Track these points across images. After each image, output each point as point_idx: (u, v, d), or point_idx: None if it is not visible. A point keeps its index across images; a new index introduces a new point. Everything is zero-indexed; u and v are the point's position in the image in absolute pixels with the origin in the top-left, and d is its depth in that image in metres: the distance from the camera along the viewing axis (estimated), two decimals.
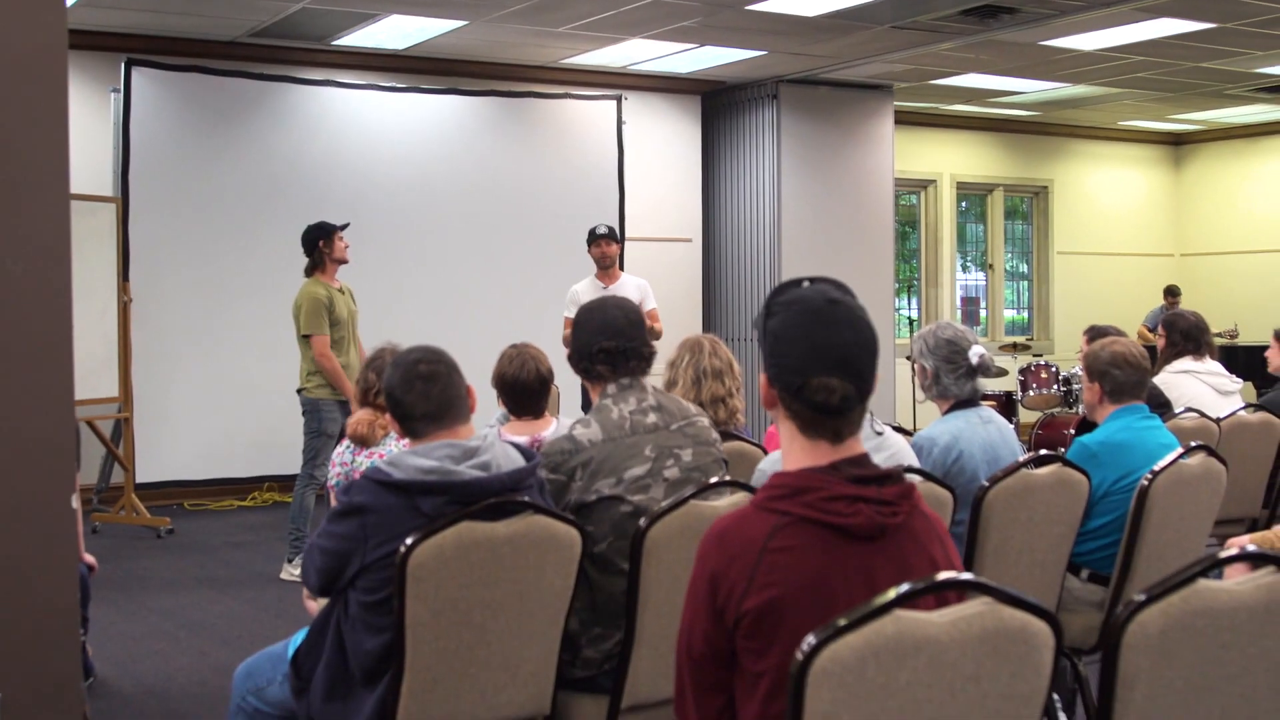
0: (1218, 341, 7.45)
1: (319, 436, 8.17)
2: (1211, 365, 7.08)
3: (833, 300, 2.44)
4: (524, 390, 4.88)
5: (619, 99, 12.71)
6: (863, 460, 2.43)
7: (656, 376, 5.13)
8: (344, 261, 8.39)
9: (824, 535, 2.33)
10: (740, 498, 3.62)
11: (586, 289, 9.22)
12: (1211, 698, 2.33)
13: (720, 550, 2.37)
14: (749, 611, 2.30)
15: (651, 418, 3.87)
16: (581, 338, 3.96)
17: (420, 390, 3.44)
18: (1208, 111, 16.06)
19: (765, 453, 4.59)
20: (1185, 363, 7.05)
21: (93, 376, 9.47)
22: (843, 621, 2.02)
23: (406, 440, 3.56)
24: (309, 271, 8.35)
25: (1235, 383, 7.07)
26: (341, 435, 8.10)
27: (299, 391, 8.29)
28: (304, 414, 8.28)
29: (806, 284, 2.49)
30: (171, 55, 10.86)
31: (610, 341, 3.88)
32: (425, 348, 3.57)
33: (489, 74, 12.35)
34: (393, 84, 11.86)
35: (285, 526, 8.50)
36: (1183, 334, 7.14)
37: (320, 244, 8.31)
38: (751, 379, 12.39)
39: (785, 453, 2.49)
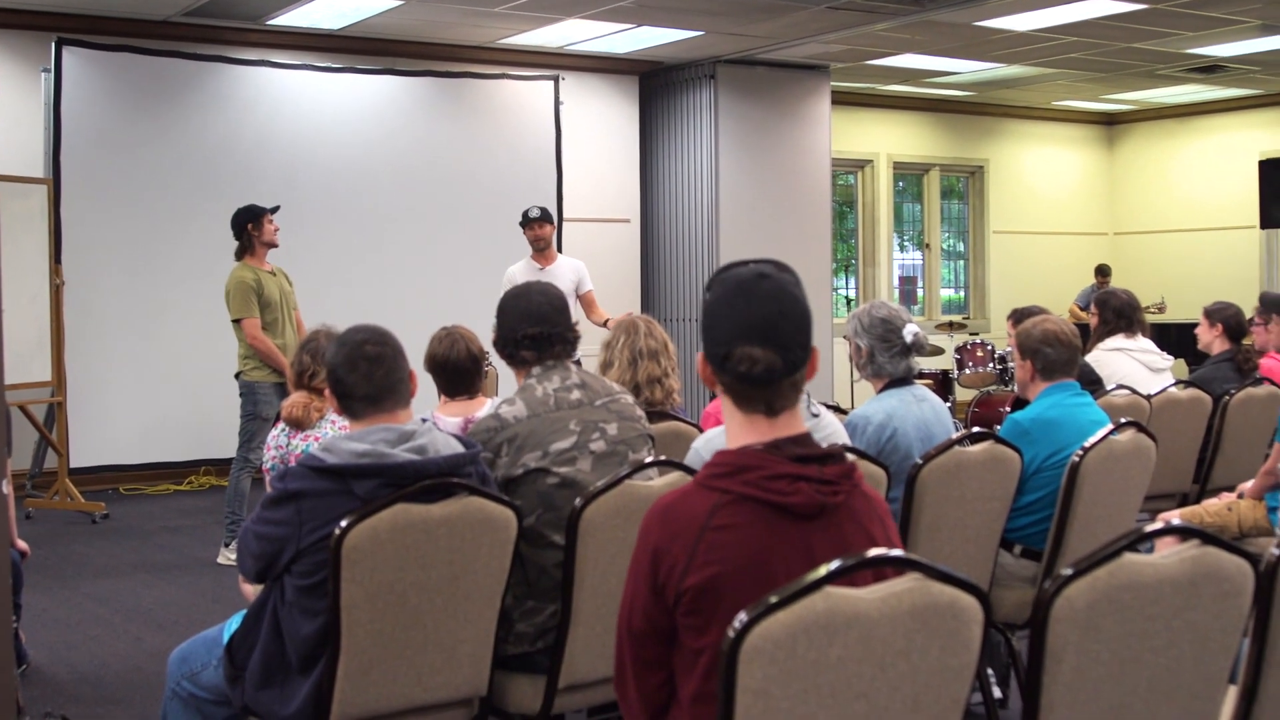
0: (1146, 315, 7.52)
1: (254, 420, 8.13)
2: (1144, 343, 7.17)
3: (763, 275, 2.46)
4: (455, 369, 4.92)
5: (556, 79, 12.68)
6: (804, 440, 2.45)
7: (592, 358, 5.16)
8: (273, 245, 8.33)
9: (765, 514, 2.35)
10: (675, 477, 3.63)
11: (522, 271, 9.19)
12: (1137, 669, 2.37)
13: (662, 527, 2.39)
14: (689, 589, 2.32)
15: (575, 394, 3.90)
16: (506, 323, 3.98)
17: (364, 371, 3.42)
18: (1140, 92, 16.20)
19: (701, 431, 4.61)
20: (1118, 340, 7.13)
21: (25, 360, 9.38)
22: (774, 599, 2.04)
23: (343, 423, 3.55)
24: (239, 255, 8.30)
25: (1166, 360, 7.15)
26: (277, 418, 8.10)
27: (237, 376, 8.24)
28: (240, 397, 8.23)
29: (750, 264, 2.51)
30: (103, 35, 10.73)
31: (534, 328, 3.91)
32: (372, 328, 3.54)
33: (425, 54, 12.28)
34: (328, 64, 11.77)
35: (222, 510, 8.45)
36: (1115, 312, 7.22)
37: (249, 227, 8.26)
38: (688, 360, 12.42)
39: (727, 429, 2.52)
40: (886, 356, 4.73)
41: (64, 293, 10.03)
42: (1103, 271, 16.00)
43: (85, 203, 10.47)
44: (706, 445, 3.95)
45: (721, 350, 2.43)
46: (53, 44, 10.34)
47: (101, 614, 7.04)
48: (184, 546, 8.73)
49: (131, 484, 10.92)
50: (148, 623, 6.87)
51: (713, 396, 6.91)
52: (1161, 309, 15.18)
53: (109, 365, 10.65)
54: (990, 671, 4.92)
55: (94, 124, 10.61)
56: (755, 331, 2.41)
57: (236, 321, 8.14)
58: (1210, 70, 14.56)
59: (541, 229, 9.36)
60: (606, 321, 8.89)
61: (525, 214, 9.41)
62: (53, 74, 10.36)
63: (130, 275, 10.75)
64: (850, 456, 3.87)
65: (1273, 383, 6.73)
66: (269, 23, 11.25)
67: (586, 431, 3.86)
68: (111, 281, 10.67)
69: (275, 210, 8.40)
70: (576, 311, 8.73)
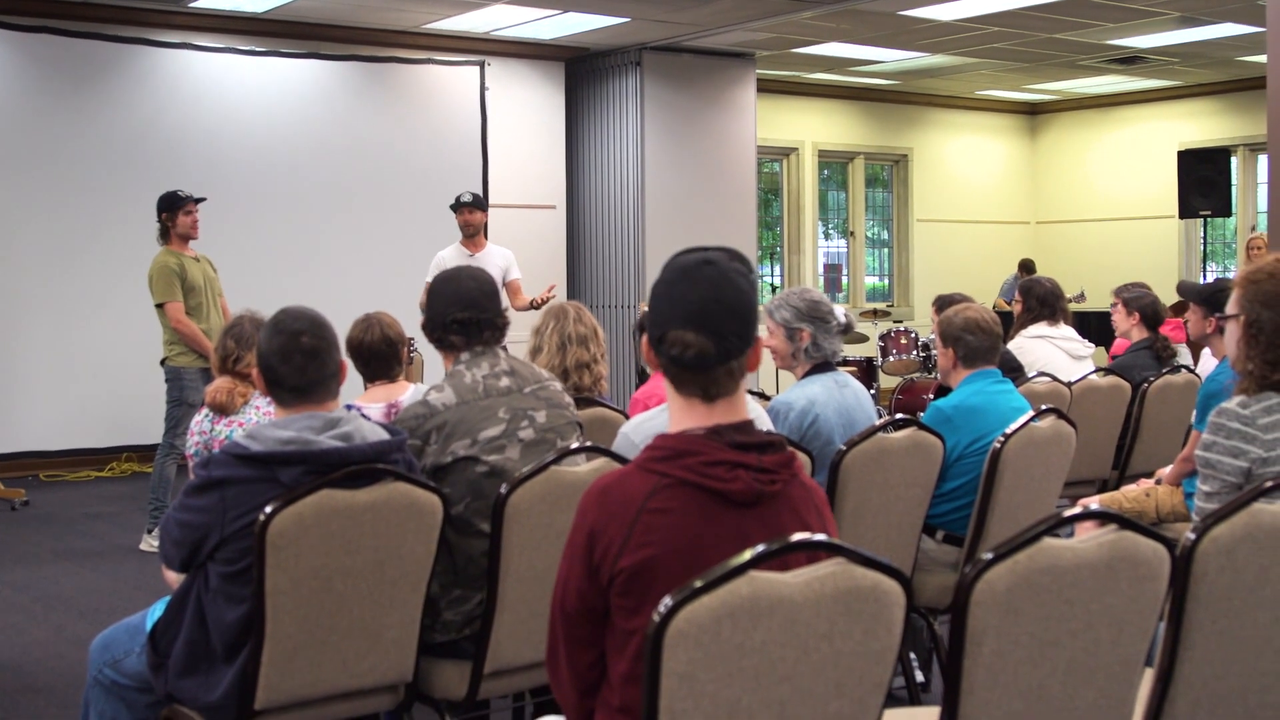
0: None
1: (180, 405, 8.06)
2: (1065, 330, 7.25)
3: (708, 261, 2.46)
4: (371, 353, 4.97)
5: (482, 65, 12.65)
6: (745, 427, 2.46)
7: (521, 344, 5.16)
8: (190, 237, 8.23)
9: (702, 499, 2.37)
10: (601, 463, 3.64)
11: (452, 256, 9.14)
12: (1056, 652, 2.40)
13: (599, 508, 2.39)
14: (624, 570, 2.34)
15: (505, 381, 3.90)
16: (435, 307, 3.96)
17: (297, 364, 3.38)
18: (1062, 82, 16.38)
19: (627, 418, 4.62)
20: (1040, 328, 7.20)
21: None
22: (699, 583, 2.05)
23: (268, 409, 3.52)
24: (161, 239, 8.22)
25: (1088, 348, 7.24)
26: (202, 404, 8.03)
27: (163, 362, 8.16)
28: (166, 383, 8.15)
29: (702, 251, 2.53)
30: (22, 15, 10.57)
31: (464, 312, 3.89)
32: (309, 316, 3.47)
33: (350, 38, 12.20)
34: (252, 48, 11.67)
35: (145, 497, 8.37)
36: (1039, 299, 7.30)
37: (164, 215, 8.18)
38: (615, 346, 12.43)
39: (669, 410, 2.52)
40: (826, 338, 4.77)
41: None
42: (1026, 267, 16.14)
43: (4, 186, 10.35)
44: (636, 429, 3.96)
45: (658, 332, 2.45)
46: None
47: (21, 602, 6.96)
48: (106, 533, 8.65)
49: (52, 470, 10.79)
50: (69, 610, 6.81)
51: (639, 383, 6.90)
52: (1081, 300, 15.34)
53: (28, 350, 10.52)
54: (913, 655, 4.97)
55: (12, 105, 10.48)
56: (690, 316, 2.41)
57: (160, 306, 8.06)
58: (1130, 61, 14.74)
59: (473, 214, 9.30)
60: (533, 302, 8.88)
61: (458, 199, 9.35)
62: None
63: (51, 260, 10.62)
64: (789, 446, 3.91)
65: (1189, 369, 6.84)
66: (192, 5, 11.12)
67: (516, 419, 3.86)
68: (32, 266, 10.54)
69: (200, 201, 8.30)
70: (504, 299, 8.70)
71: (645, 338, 2.52)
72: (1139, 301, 7.12)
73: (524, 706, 4.47)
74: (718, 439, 2.40)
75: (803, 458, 4.14)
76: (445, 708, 3.75)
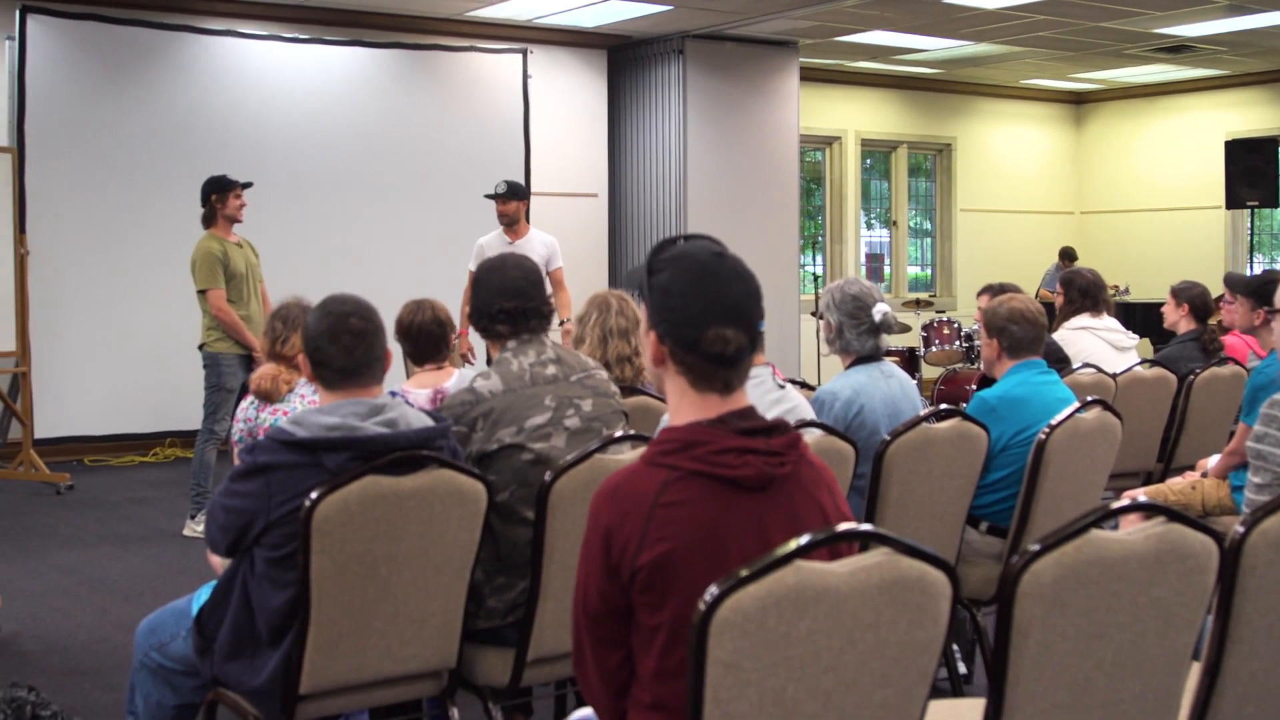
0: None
1: (219, 391, 8.11)
2: (1109, 321, 7.20)
3: (719, 254, 2.48)
4: (421, 332, 4.95)
5: (524, 53, 12.65)
6: (749, 413, 2.46)
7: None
8: (236, 220, 8.29)
9: (714, 488, 2.36)
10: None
11: (493, 244, 9.09)
12: (1103, 645, 2.39)
13: (612, 507, 2.39)
14: (643, 566, 2.33)
15: (551, 369, 3.91)
16: (481, 297, 3.98)
17: (345, 344, 3.40)
18: (1107, 71, 16.26)
19: None
20: (1083, 319, 7.16)
21: None
22: (745, 572, 2.05)
23: (313, 396, 3.53)
24: (205, 223, 8.28)
25: (1131, 338, 7.19)
26: (244, 390, 8.08)
27: (201, 348, 8.22)
28: (205, 369, 8.21)
29: (681, 241, 2.52)
30: (68, 3, 10.63)
31: (510, 302, 3.91)
32: (356, 300, 3.50)
33: (393, 26, 12.23)
34: (295, 35, 11.71)
35: (187, 482, 8.42)
36: (1081, 291, 7.26)
37: (213, 198, 8.23)
38: None
39: (673, 409, 2.51)
40: (855, 334, 4.74)
41: (29, 262, 9.96)
42: (1067, 255, 16.04)
43: (50, 172, 10.40)
44: None
45: (693, 332, 2.42)
46: (17, 11, 10.26)
47: (67, 585, 7.02)
48: (149, 518, 8.71)
49: (96, 455, 10.88)
50: (113, 594, 6.86)
51: None
52: (1120, 291, 15.25)
53: (74, 336, 10.60)
54: (955, 647, 4.95)
55: (59, 92, 10.53)
56: (727, 312, 2.42)
57: (202, 292, 8.11)
58: (1177, 50, 14.62)
59: (505, 205, 9.12)
60: (564, 322, 8.68)
61: (494, 191, 9.31)
62: (17, 42, 10.27)
63: (96, 245, 10.69)
64: (813, 431, 3.90)
65: (1237, 362, 6.78)
66: None
67: (562, 407, 3.86)
68: (76, 251, 10.61)
69: (247, 186, 8.35)
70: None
71: (655, 338, 2.49)
72: (1188, 293, 7.07)
73: (565, 695, 4.48)
74: (724, 426, 2.41)
75: (845, 446, 4.13)
76: (488, 694, 3.77)
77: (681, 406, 2.49)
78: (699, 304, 2.43)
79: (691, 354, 2.44)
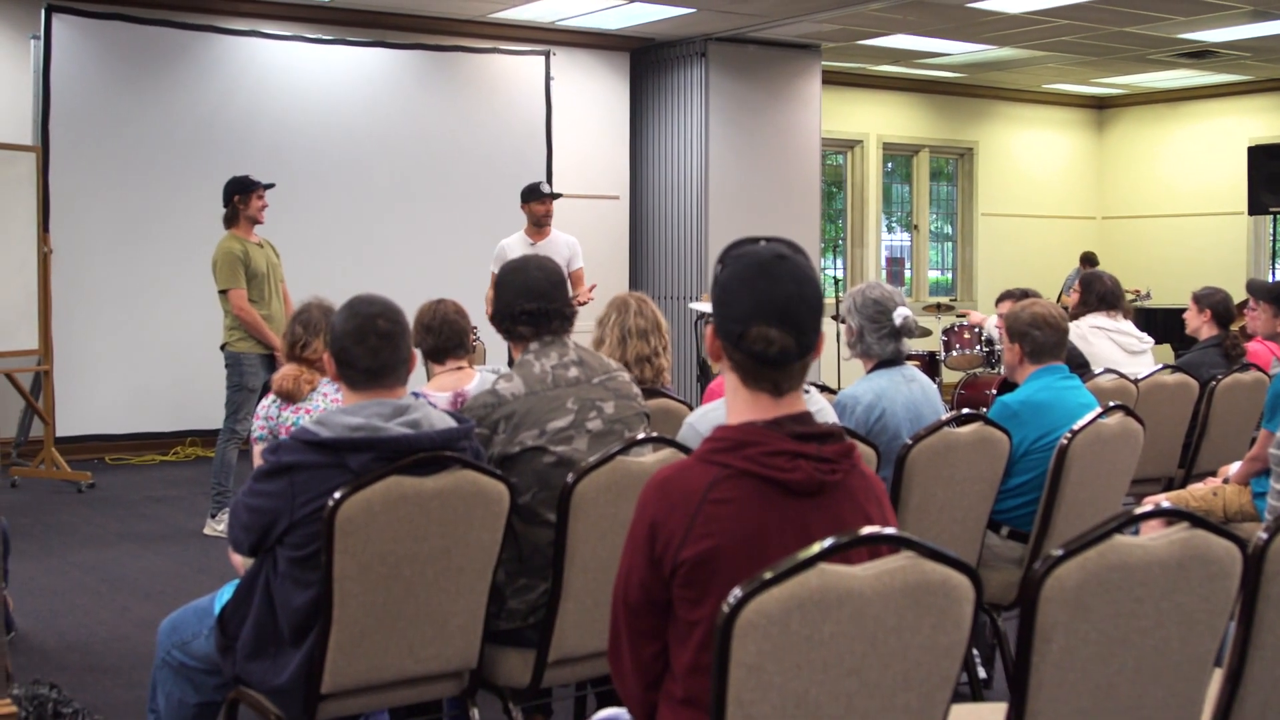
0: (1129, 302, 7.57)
1: (240, 390, 8.13)
2: (1123, 324, 7.19)
3: (780, 256, 2.46)
4: (445, 323, 4.91)
5: (547, 55, 12.67)
6: (805, 418, 2.45)
7: (586, 334, 5.17)
8: (258, 221, 8.31)
9: (763, 489, 2.37)
10: (667, 454, 3.64)
11: (516, 245, 9.14)
12: (1125, 650, 2.39)
13: (661, 499, 2.40)
14: (686, 561, 2.34)
15: (573, 372, 3.90)
16: (504, 298, 3.98)
17: (371, 345, 3.41)
18: (1130, 76, 16.22)
19: (691, 409, 4.62)
20: (1098, 318, 7.16)
21: (11, 328, 9.37)
22: (768, 574, 2.05)
23: (335, 396, 3.54)
24: (226, 223, 8.30)
25: (1144, 343, 7.17)
26: (265, 390, 8.10)
27: (223, 347, 8.24)
28: (226, 368, 8.23)
29: (762, 242, 2.52)
30: (93, 2, 10.68)
31: (532, 303, 3.91)
32: (384, 301, 3.51)
33: (416, 27, 12.26)
34: (319, 35, 11.74)
35: (208, 481, 8.44)
36: (1099, 297, 7.25)
37: (236, 198, 8.25)
38: (677, 337, 12.42)
39: (729, 405, 2.52)
40: (875, 338, 4.75)
41: (52, 261, 10.00)
42: (1088, 260, 16.01)
43: (74, 171, 10.45)
44: (701, 420, 3.97)
45: (738, 328, 2.43)
46: (42, 11, 10.30)
47: (88, 583, 7.05)
48: (170, 517, 8.74)
49: (117, 454, 10.92)
50: (134, 592, 6.88)
51: (701, 374, 6.87)
52: (1142, 296, 15.20)
53: (96, 334, 10.64)
54: (975, 652, 4.95)
55: (83, 92, 10.58)
56: (774, 312, 2.41)
57: (223, 292, 8.14)
58: (1201, 55, 14.58)
59: (548, 205, 9.32)
60: (575, 296, 8.81)
61: (538, 189, 9.36)
62: (42, 41, 10.32)
63: (118, 244, 10.73)
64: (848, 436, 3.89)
65: (1259, 368, 6.77)
66: None
67: (584, 410, 3.86)
68: (99, 250, 10.65)
69: (269, 187, 8.38)
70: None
71: (711, 331, 2.51)
72: (1210, 299, 7.06)
73: (586, 696, 4.48)
74: (778, 429, 2.41)
75: (866, 450, 4.13)
76: (508, 695, 3.77)
77: (735, 403, 2.50)
78: (747, 302, 2.43)
79: (737, 350, 2.45)
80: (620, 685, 2.53)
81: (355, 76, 11.81)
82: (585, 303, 8.58)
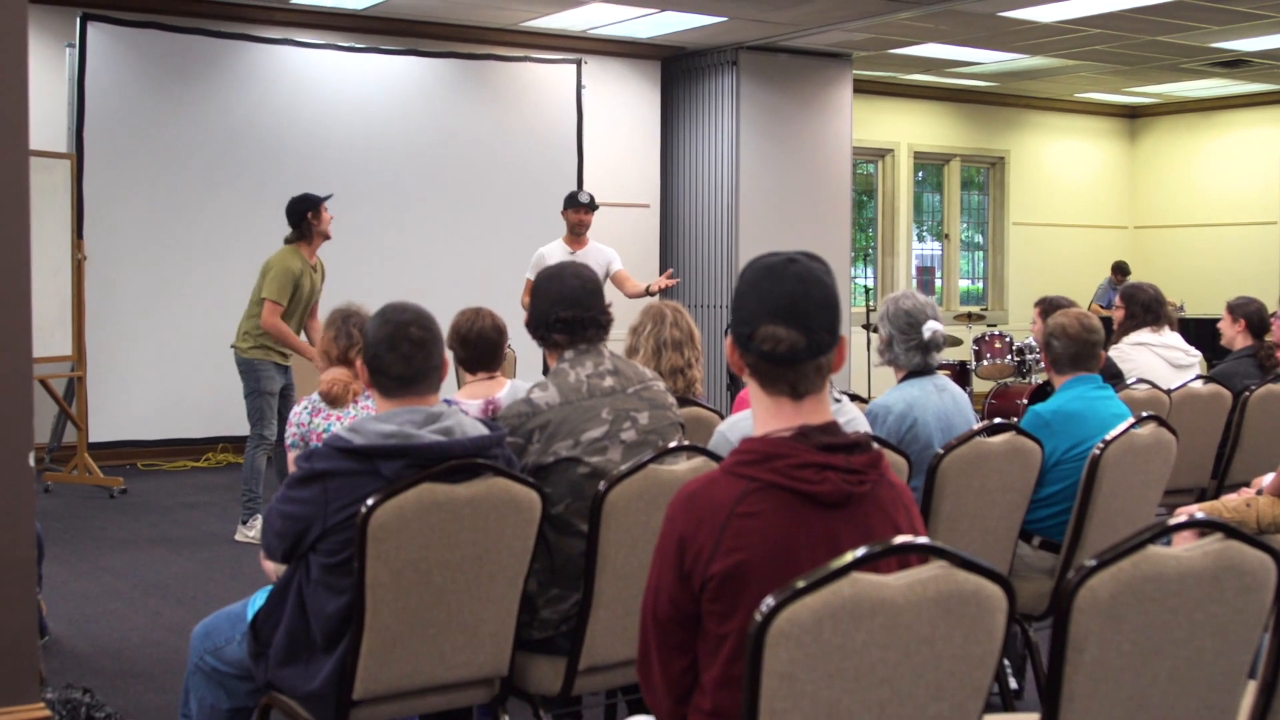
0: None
1: (259, 395, 8.12)
2: (1168, 338, 7.12)
3: (790, 260, 2.48)
4: (481, 339, 4.90)
5: (579, 63, 12.69)
6: (832, 428, 2.45)
7: (619, 341, 5.17)
8: (328, 237, 8.28)
9: (791, 502, 2.36)
10: (699, 462, 3.64)
11: (555, 253, 9.16)
12: (1159, 661, 2.38)
13: (688, 513, 2.39)
14: (715, 575, 2.33)
15: (608, 381, 3.89)
16: (539, 306, 3.97)
17: (404, 353, 3.43)
18: (1163, 85, 16.16)
19: (722, 418, 4.62)
20: (1143, 335, 7.10)
21: (46, 334, 9.41)
22: (801, 583, 2.05)
23: (371, 406, 3.55)
24: (292, 239, 8.20)
25: (1191, 356, 7.09)
26: (285, 393, 8.12)
27: (233, 348, 8.22)
28: (241, 374, 8.20)
29: (782, 253, 2.53)
30: (128, 11, 10.76)
31: (568, 311, 3.90)
32: (416, 309, 3.53)
33: (448, 35, 12.30)
34: (351, 44, 11.79)
35: (239, 488, 8.48)
36: (1143, 306, 7.19)
37: (309, 215, 8.15)
38: (709, 345, 12.42)
39: (754, 415, 2.52)
40: (903, 348, 4.75)
41: (85, 268, 10.06)
42: (1120, 269, 15.95)
43: (107, 178, 10.51)
44: (732, 428, 3.96)
45: (746, 329, 2.45)
46: (78, 19, 10.38)
47: (120, 588, 7.08)
48: (201, 523, 8.78)
49: (150, 460, 10.98)
50: (166, 597, 6.91)
51: (731, 384, 6.87)
52: (1177, 308, 15.13)
53: (129, 341, 10.70)
54: (1006, 662, 4.93)
55: (117, 100, 10.65)
56: (779, 311, 2.42)
57: (262, 299, 8.07)
58: (1234, 65, 14.52)
59: (587, 215, 9.39)
60: (648, 288, 9.03)
61: (576, 198, 9.40)
62: (77, 49, 10.39)
63: (151, 251, 10.79)
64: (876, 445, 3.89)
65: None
66: (293, 2, 11.27)
67: (618, 420, 3.85)
68: (132, 257, 10.71)
69: (329, 197, 8.33)
70: (610, 293, 8.71)
71: (730, 340, 2.52)
72: (1245, 309, 7.02)
73: (616, 703, 4.49)
74: (805, 441, 2.40)
75: (898, 460, 4.13)
76: (539, 703, 3.78)
77: (758, 411, 2.51)
78: (753, 302, 2.46)
79: (748, 352, 2.47)
80: (650, 699, 2.53)
81: (387, 85, 11.85)
82: (662, 288, 8.81)
